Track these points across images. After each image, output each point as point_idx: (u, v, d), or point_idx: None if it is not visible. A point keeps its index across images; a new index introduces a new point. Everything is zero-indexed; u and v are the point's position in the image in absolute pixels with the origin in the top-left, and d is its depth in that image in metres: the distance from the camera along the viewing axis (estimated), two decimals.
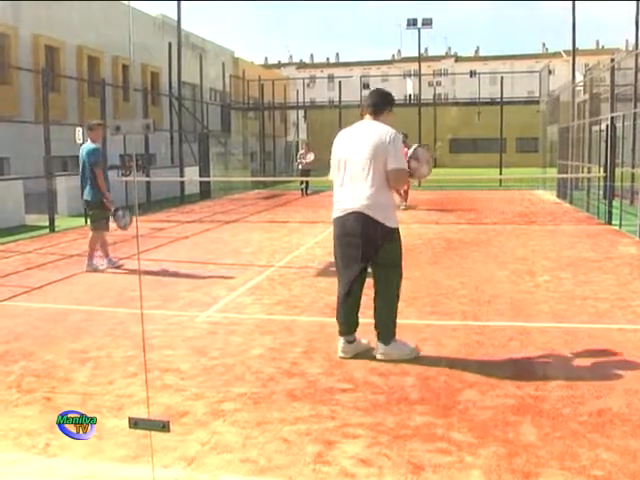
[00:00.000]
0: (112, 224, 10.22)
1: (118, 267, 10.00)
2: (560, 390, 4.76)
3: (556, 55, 68.85)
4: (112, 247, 10.58)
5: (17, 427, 4.26)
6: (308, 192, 25.90)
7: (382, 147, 5.39)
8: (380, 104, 5.76)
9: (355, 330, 5.68)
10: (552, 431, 4.07)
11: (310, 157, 25.63)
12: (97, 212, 10.01)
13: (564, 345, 5.88)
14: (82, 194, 10.13)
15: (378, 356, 5.51)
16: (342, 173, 5.55)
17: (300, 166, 26.40)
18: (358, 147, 5.49)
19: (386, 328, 5.54)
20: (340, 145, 5.68)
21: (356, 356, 5.60)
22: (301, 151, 26.70)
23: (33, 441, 4.05)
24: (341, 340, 5.67)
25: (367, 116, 5.74)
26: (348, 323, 5.66)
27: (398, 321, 5.75)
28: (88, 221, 10.29)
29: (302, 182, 25.76)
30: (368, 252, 5.42)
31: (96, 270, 9.83)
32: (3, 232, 14.03)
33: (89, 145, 10.09)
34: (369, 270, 5.61)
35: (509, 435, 4.03)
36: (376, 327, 5.58)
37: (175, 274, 9.57)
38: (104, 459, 3.84)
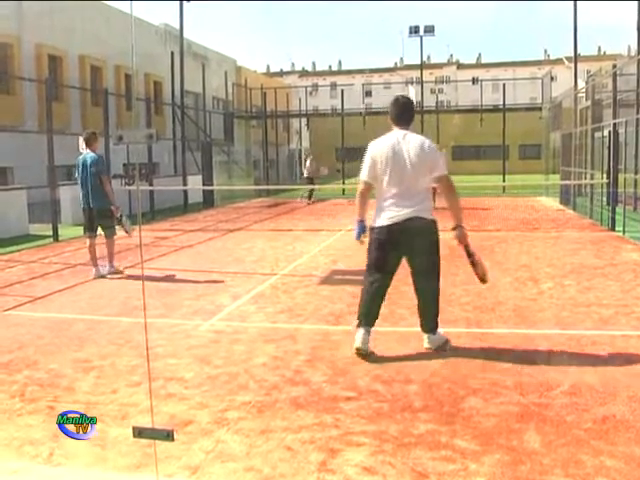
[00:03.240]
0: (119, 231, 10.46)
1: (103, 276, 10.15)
2: (564, 397, 4.75)
3: (558, 61, 68.88)
4: (117, 256, 10.62)
5: (21, 436, 4.27)
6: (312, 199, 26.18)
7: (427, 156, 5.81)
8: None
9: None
10: (556, 438, 4.06)
11: (323, 171, 26.43)
12: (108, 219, 10.21)
13: (568, 352, 5.87)
14: (87, 202, 10.22)
15: (427, 345, 5.90)
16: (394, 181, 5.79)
17: (305, 174, 26.75)
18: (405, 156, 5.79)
19: (434, 318, 5.93)
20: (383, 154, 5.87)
21: (360, 363, 5.60)
22: (308, 162, 27.00)
23: (37, 450, 4.05)
24: (361, 331, 5.81)
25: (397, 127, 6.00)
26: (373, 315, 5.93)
27: (402, 328, 6.29)
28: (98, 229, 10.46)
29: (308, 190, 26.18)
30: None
31: (118, 272, 10.21)
32: (7, 242, 14.06)
33: (92, 154, 10.20)
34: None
35: (513, 442, 4.02)
36: (424, 319, 5.94)
37: (179, 283, 9.58)
38: (108, 468, 3.84)
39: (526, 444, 4.00)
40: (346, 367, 5.54)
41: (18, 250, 13.26)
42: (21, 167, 24.84)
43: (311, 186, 26.19)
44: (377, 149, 5.91)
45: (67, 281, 9.76)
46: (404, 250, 5.83)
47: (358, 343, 5.78)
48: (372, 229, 5.91)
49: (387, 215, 5.81)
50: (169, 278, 9.96)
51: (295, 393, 4.96)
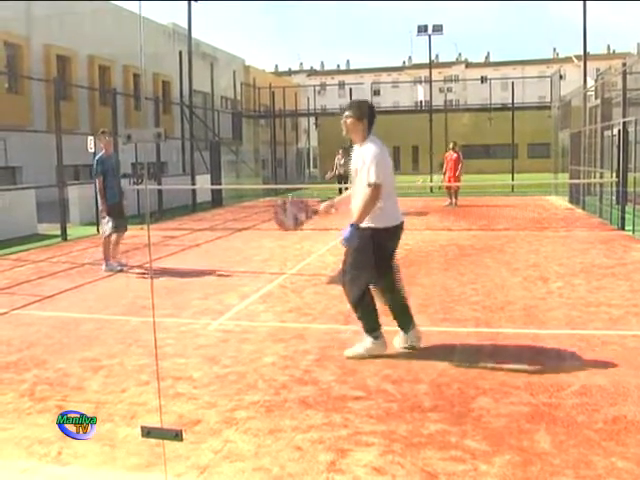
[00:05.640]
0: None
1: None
2: (574, 397, 4.72)
3: (567, 60, 68.67)
4: (124, 255, 10.66)
5: (30, 435, 4.27)
6: None
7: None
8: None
9: None
10: (567, 439, 4.04)
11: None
12: (102, 218, 10.74)
13: (578, 352, 5.84)
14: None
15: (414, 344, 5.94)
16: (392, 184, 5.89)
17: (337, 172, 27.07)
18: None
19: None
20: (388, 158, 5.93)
21: (369, 363, 5.59)
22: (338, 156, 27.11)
23: (46, 449, 4.05)
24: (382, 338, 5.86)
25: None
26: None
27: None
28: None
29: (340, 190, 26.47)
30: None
31: (112, 270, 10.35)
32: (16, 241, 14.09)
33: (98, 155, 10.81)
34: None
35: (523, 443, 4.00)
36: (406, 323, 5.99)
37: (187, 282, 9.58)
38: (117, 467, 3.84)
39: (536, 445, 3.98)
40: (355, 367, 5.53)
41: (27, 249, 13.29)
42: (30, 167, 24.94)
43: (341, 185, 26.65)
44: (383, 153, 5.79)
45: (75, 280, 9.78)
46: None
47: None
48: (376, 231, 5.69)
49: (394, 216, 5.83)
50: (177, 277, 9.95)
51: (304, 393, 4.95)
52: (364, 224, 5.63)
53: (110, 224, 10.45)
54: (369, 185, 5.60)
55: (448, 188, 22.48)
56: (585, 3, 23.83)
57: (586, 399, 4.68)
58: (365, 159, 5.68)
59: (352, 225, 5.61)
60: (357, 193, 5.77)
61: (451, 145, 22.13)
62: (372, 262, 5.67)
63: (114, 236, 10.54)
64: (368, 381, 5.18)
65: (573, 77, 45.46)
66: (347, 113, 5.81)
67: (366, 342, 5.82)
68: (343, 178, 27.53)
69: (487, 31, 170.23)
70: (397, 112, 46.86)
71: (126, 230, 10.82)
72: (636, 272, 9.62)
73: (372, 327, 5.84)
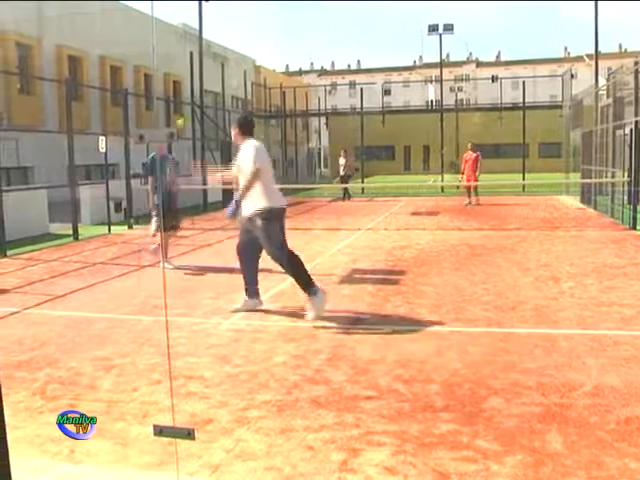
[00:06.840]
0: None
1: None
2: (586, 398, 4.70)
3: (578, 59, 68.46)
4: (137, 255, 10.73)
5: (42, 434, 4.28)
6: (350, 197, 27.44)
7: None
8: None
9: None
10: (579, 440, 4.02)
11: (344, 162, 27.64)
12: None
13: (590, 352, 5.82)
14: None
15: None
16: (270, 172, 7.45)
17: (342, 172, 27.86)
18: None
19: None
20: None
21: (380, 363, 5.59)
22: (341, 159, 27.93)
23: (58, 448, 4.07)
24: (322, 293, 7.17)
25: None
26: None
27: (422, 327, 6.29)
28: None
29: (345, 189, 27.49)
30: None
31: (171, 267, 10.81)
32: (28, 241, 14.15)
33: None
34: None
35: (535, 443, 3.98)
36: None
37: (199, 281, 9.60)
38: (129, 466, 3.85)
39: (548, 445, 3.96)
40: (367, 366, 5.53)
41: (39, 249, 13.35)
42: (41, 167, 25.05)
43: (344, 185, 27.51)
44: (259, 149, 7.31)
45: (87, 280, 9.82)
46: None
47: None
48: (274, 209, 7.15)
49: (282, 199, 7.57)
50: (189, 277, 9.98)
51: (316, 392, 4.95)
52: (263, 206, 7.05)
53: (156, 223, 11.10)
54: (251, 171, 7.03)
55: (468, 187, 22.55)
56: (597, 2, 23.74)
57: (598, 400, 4.66)
58: (245, 155, 7.20)
59: (236, 200, 7.21)
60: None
61: (469, 145, 22.28)
62: (279, 233, 7.21)
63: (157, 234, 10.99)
64: (380, 381, 5.18)
65: (585, 76, 45.30)
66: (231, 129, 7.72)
67: (313, 301, 7.04)
68: (345, 179, 28.07)
69: (498, 30, 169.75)
70: (408, 112, 46.83)
71: (176, 228, 11.45)
72: None
73: (308, 283, 7.12)
